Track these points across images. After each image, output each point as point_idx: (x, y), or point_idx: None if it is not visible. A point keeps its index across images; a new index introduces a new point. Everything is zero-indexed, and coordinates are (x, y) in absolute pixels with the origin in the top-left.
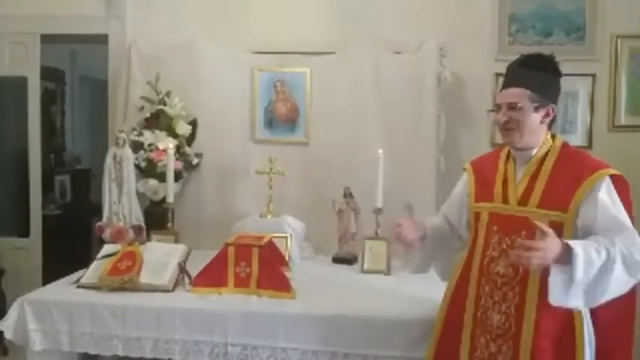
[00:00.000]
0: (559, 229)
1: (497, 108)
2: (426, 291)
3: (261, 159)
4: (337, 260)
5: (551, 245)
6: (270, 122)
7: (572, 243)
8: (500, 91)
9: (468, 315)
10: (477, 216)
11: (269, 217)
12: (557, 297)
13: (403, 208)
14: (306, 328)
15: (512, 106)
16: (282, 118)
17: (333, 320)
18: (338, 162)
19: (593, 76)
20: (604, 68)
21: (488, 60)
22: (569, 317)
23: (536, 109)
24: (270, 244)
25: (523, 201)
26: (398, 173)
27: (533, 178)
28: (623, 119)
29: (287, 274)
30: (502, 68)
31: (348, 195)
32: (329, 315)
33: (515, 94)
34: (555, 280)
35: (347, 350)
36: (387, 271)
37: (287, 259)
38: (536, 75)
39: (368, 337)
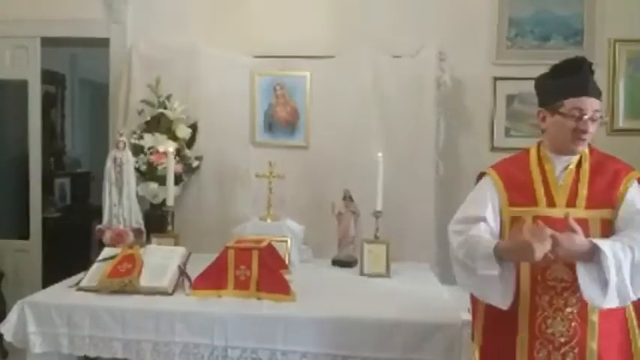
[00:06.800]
0: (609, 226)
1: (579, 113)
2: (425, 293)
3: (261, 162)
4: (337, 263)
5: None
6: (270, 126)
7: (600, 242)
8: (575, 96)
9: (522, 329)
10: (515, 220)
11: (269, 220)
12: (595, 300)
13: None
14: (306, 330)
15: (594, 118)
16: (281, 121)
17: (333, 323)
18: (337, 165)
19: None
20: (602, 72)
21: (486, 64)
22: (623, 314)
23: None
24: (270, 247)
25: (570, 204)
26: (397, 176)
27: (575, 181)
28: (621, 123)
29: (287, 276)
30: (500, 72)
31: (347, 198)
32: (328, 318)
33: (598, 104)
34: (585, 282)
35: (346, 353)
36: (387, 274)
37: (287, 262)
38: (595, 84)
39: (367, 340)
